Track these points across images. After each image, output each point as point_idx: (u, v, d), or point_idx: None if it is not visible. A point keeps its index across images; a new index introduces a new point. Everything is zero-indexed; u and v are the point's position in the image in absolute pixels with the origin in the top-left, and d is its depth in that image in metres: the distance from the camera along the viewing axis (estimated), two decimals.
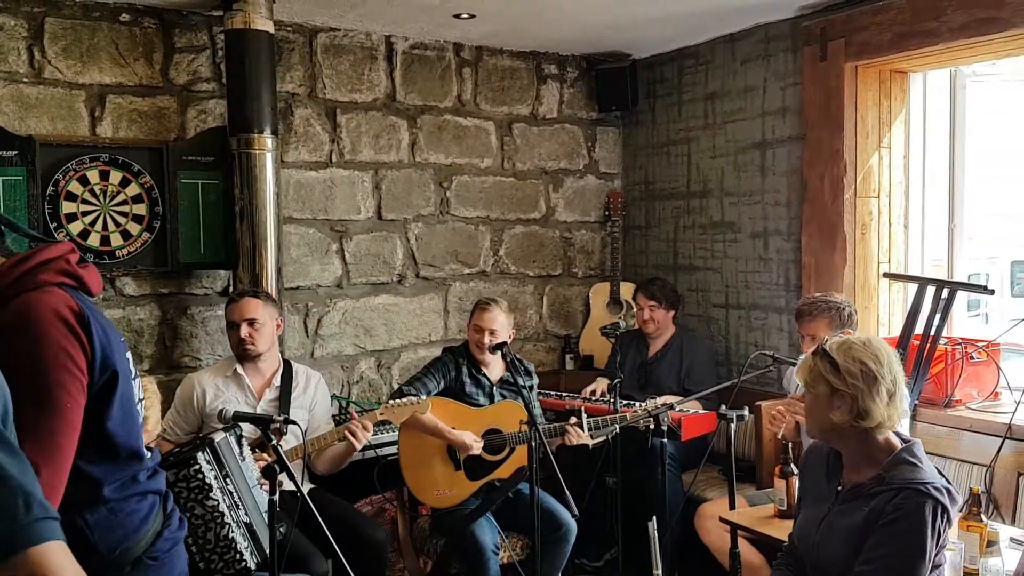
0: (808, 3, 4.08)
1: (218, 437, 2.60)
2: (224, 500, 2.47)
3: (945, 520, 2.10)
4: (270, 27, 3.90)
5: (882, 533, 2.11)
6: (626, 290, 5.07)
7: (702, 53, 4.88)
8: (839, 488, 2.29)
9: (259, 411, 3.46)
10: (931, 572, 2.11)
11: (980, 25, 3.52)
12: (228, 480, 2.53)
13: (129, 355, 1.73)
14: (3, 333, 1.52)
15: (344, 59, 4.53)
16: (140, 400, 1.76)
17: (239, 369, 3.55)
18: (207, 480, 2.45)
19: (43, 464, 1.49)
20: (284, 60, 4.33)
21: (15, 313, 1.53)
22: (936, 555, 2.11)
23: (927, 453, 2.27)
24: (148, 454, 1.72)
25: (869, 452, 2.22)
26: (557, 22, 4.45)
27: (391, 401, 3.48)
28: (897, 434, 2.25)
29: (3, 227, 1.66)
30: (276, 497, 2.54)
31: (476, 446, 3.62)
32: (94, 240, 3.90)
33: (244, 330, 3.50)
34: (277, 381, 3.58)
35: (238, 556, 2.43)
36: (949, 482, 2.18)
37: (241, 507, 2.53)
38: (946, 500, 2.10)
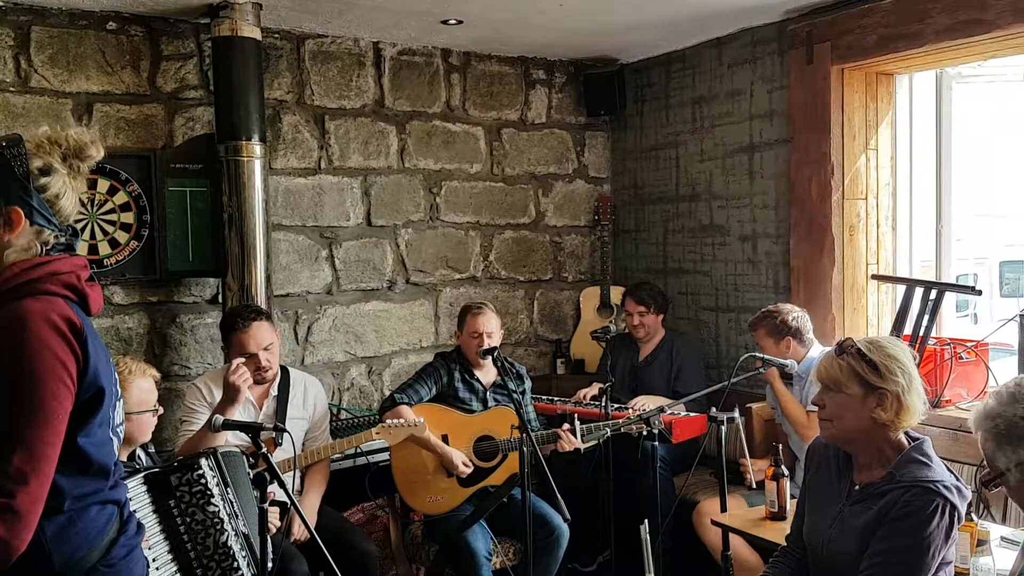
0: (794, 7, 4.10)
1: (223, 449, 2.63)
2: (224, 508, 2.47)
3: (954, 517, 2.13)
4: (257, 34, 3.90)
5: (889, 528, 2.13)
6: (616, 294, 5.08)
7: (689, 57, 4.90)
8: (853, 487, 2.29)
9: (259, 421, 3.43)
10: (941, 568, 2.14)
11: (965, 27, 3.54)
12: (229, 489, 2.53)
13: (116, 377, 1.72)
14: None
15: (332, 66, 4.53)
16: (120, 423, 1.74)
17: None
18: (209, 486, 2.47)
19: (32, 475, 1.47)
20: (272, 67, 4.33)
21: (12, 319, 1.51)
22: (946, 551, 2.14)
23: (938, 457, 2.28)
24: (115, 470, 1.72)
25: (881, 451, 2.24)
26: (544, 28, 4.46)
27: (389, 421, 3.47)
28: (906, 432, 2.27)
29: (67, 233, 1.66)
30: (267, 505, 2.54)
31: (464, 469, 3.62)
32: (82, 249, 3.84)
33: (263, 358, 3.42)
34: (275, 390, 3.55)
35: (235, 564, 2.43)
36: (959, 479, 2.21)
37: (240, 517, 2.53)
38: (955, 498, 2.13)
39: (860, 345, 2.24)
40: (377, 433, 3.42)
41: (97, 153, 1.68)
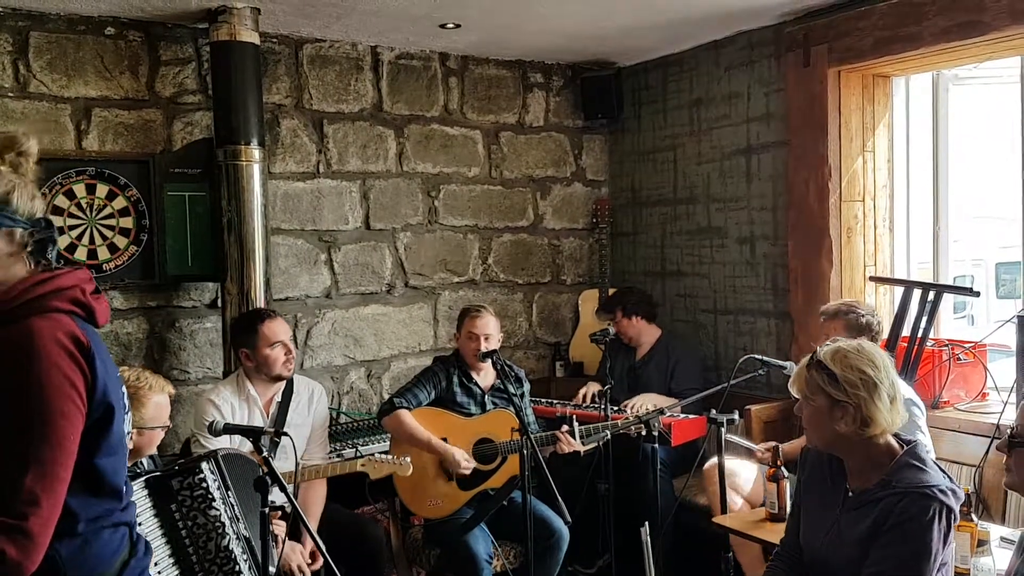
0: (790, 10, 4.11)
1: (223, 452, 2.63)
2: (226, 511, 2.48)
3: (951, 520, 2.13)
4: (255, 39, 3.91)
5: (888, 536, 2.13)
6: None
7: (686, 60, 4.91)
8: (847, 494, 2.29)
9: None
10: (939, 569, 2.14)
11: (961, 29, 3.56)
12: (230, 492, 2.54)
13: (124, 389, 1.72)
14: (6, 357, 1.50)
15: (330, 70, 4.53)
16: (128, 433, 1.75)
17: (252, 391, 3.51)
18: (210, 490, 2.47)
19: (44, 496, 1.47)
20: (270, 71, 4.33)
21: (20, 338, 1.51)
22: (944, 553, 2.14)
23: (932, 460, 2.28)
24: (126, 489, 1.72)
25: (872, 457, 2.23)
26: (541, 31, 4.47)
27: (376, 455, 3.48)
28: (897, 436, 2.26)
29: (50, 240, 1.65)
30: (267, 509, 2.54)
31: (467, 465, 3.62)
32: (81, 254, 3.88)
33: (291, 348, 3.53)
34: (279, 397, 3.57)
35: (236, 568, 2.43)
36: (952, 480, 2.20)
37: (241, 521, 2.53)
38: (951, 501, 2.13)
39: (823, 356, 2.21)
40: (362, 465, 3.43)
41: (27, 141, 1.65)
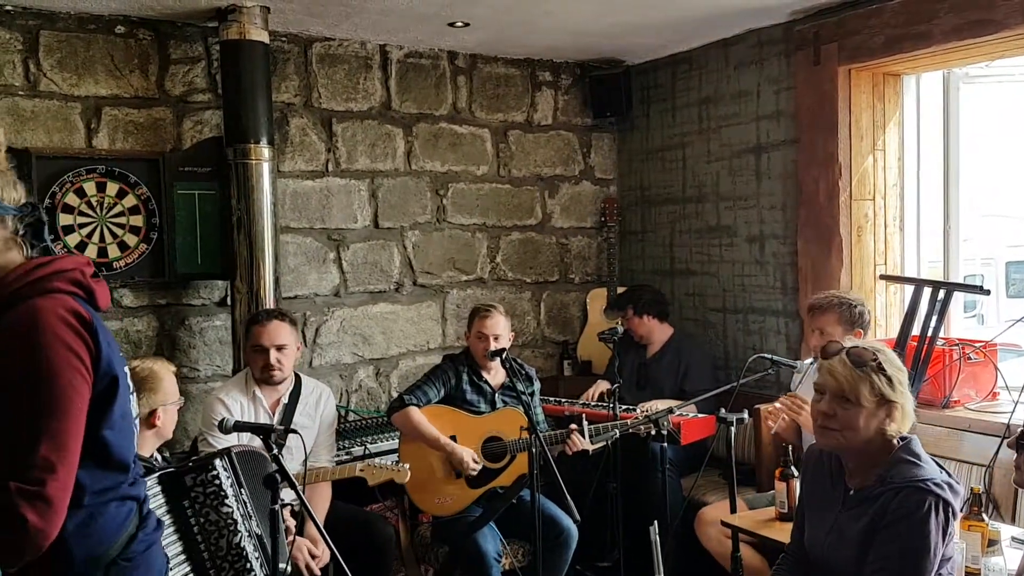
0: (800, 8, 4.10)
1: (237, 449, 2.64)
2: (238, 508, 2.48)
3: (949, 514, 2.13)
4: (265, 37, 3.91)
5: (887, 533, 2.13)
6: None
7: (695, 58, 4.90)
8: (847, 492, 2.29)
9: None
10: (942, 565, 2.13)
11: (972, 27, 3.54)
12: (243, 490, 2.55)
13: (127, 369, 1.75)
14: (11, 335, 1.54)
15: (339, 68, 4.54)
16: (136, 415, 1.77)
17: (257, 392, 3.51)
18: (223, 487, 2.48)
19: (59, 463, 1.51)
20: (279, 70, 4.34)
21: (24, 317, 1.55)
22: (945, 548, 2.13)
23: (927, 454, 2.27)
24: (134, 466, 1.74)
25: (871, 454, 2.24)
26: (550, 30, 4.47)
27: (375, 461, 3.51)
28: None
29: (41, 222, 1.68)
30: (278, 506, 2.55)
31: (474, 466, 3.62)
32: (91, 252, 3.89)
33: (273, 356, 3.45)
34: (286, 399, 3.57)
35: (248, 565, 2.44)
36: (950, 475, 2.20)
37: (253, 518, 2.54)
38: (948, 495, 2.12)
39: (879, 358, 2.22)
40: (361, 471, 3.44)
41: None
